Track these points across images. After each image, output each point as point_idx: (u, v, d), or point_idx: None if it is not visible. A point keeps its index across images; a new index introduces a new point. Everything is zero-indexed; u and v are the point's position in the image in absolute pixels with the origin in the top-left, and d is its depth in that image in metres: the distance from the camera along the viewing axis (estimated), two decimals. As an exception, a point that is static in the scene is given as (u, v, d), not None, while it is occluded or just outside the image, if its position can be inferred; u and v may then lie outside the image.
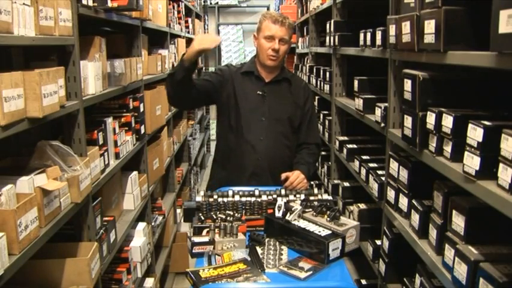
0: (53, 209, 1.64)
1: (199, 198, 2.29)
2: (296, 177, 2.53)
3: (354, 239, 2.02)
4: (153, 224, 3.21)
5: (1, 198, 1.42)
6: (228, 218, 2.07)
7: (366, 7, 3.16)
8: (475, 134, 1.34)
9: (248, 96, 2.69)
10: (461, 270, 1.39)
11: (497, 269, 1.27)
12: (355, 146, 3.07)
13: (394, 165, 2.03)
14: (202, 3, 7.85)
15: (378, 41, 2.26)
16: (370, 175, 2.47)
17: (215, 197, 2.30)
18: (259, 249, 1.94)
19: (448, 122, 1.51)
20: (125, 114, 2.62)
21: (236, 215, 2.12)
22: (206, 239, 1.94)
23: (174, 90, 2.59)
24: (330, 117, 3.60)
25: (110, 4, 2.20)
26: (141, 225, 2.89)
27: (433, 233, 1.66)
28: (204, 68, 7.74)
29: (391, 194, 2.07)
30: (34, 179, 1.60)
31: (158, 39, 3.81)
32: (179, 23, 4.64)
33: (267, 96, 2.68)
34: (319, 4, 4.01)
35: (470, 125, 1.37)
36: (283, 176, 2.55)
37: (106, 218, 2.26)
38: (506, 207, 1.17)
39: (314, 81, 4.16)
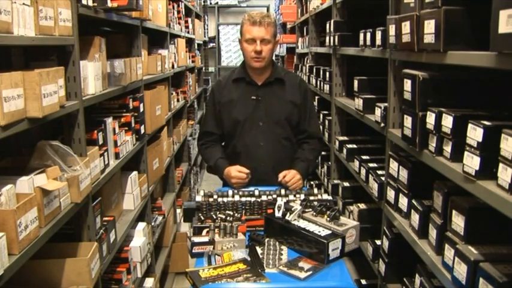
0: (52, 209, 1.64)
1: (199, 198, 2.29)
2: (291, 177, 2.55)
3: (354, 239, 2.02)
4: (153, 224, 3.21)
5: (1, 198, 1.42)
6: (228, 218, 2.07)
7: (366, 7, 3.16)
8: (475, 134, 1.34)
9: (243, 102, 2.68)
10: (461, 270, 1.39)
11: (497, 269, 1.27)
12: (355, 146, 3.06)
13: (394, 165, 2.03)
14: (202, 3, 7.84)
15: (378, 41, 2.26)
16: (370, 175, 2.47)
17: (215, 197, 2.30)
18: (259, 249, 1.94)
19: (448, 122, 1.51)
20: (124, 114, 2.62)
21: (236, 215, 2.12)
22: (206, 239, 1.94)
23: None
24: (330, 117, 3.60)
25: (109, 4, 2.20)
26: (141, 225, 2.89)
27: (433, 233, 1.65)
28: (204, 68, 7.73)
29: (391, 194, 2.07)
30: (34, 179, 1.59)
31: (158, 39, 3.81)
32: (179, 23, 4.63)
33: (262, 100, 2.68)
34: (319, 4, 4.01)
35: (470, 125, 1.37)
36: (281, 175, 2.56)
37: (106, 218, 2.25)
38: (506, 207, 1.17)
39: (314, 81, 4.16)
